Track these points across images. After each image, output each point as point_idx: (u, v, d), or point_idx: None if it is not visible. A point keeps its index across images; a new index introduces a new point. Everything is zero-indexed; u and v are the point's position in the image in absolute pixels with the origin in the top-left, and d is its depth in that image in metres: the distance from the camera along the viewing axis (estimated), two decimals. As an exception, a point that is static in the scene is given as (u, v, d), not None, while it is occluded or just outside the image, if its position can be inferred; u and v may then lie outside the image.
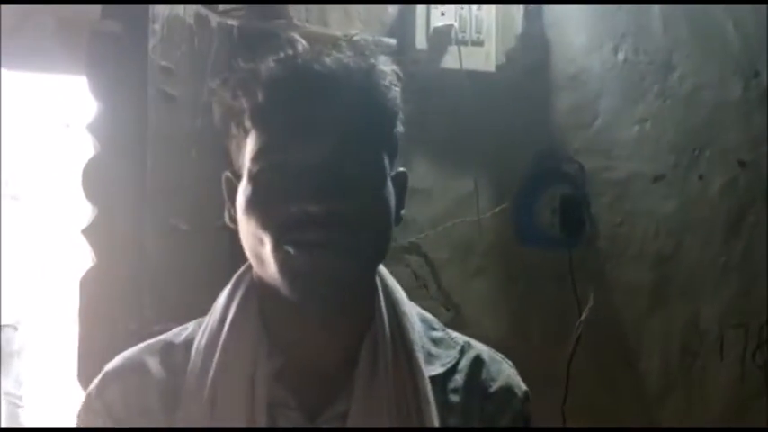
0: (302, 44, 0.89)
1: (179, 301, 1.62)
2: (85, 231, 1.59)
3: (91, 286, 1.59)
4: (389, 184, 0.91)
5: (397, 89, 0.91)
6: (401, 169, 0.96)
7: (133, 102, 1.56)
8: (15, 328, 4.70)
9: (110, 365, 0.98)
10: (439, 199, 2.13)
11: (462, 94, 2.07)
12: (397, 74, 0.92)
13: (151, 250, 1.59)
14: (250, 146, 0.88)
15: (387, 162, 0.91)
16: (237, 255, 1.71)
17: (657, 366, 2.37)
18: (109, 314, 1.55)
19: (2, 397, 4.80)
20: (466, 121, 2.11)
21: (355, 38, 0.93)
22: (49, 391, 5.25)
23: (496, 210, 2.16)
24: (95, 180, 1.59)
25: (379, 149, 0.90)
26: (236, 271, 1.70)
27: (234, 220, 0.93)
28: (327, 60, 0.87)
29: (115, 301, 1.56)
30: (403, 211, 0.95)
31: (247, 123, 0.88)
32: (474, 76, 2.07)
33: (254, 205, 0.87)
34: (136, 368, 0.96)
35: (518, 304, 2.21)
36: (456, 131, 2.12)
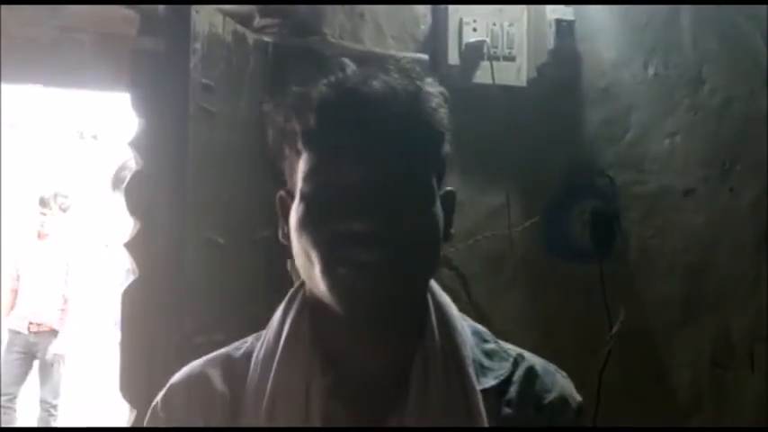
0: (351, 68, 0.92)
1: (217, 312, 1.66)
2: (128, 245, 1.62)
3: (133, 298, 1.62)
4: (438, 203, 0.93)
5: (444, 110, 0.93)
6: (449, 188, 0.98)
7: (175, 118, 1.60)
8: (58, 338, 4.76)
9: (175, 378, 1.01)
10: (470, 212, 2.14)
11: (494, 108, 2.09)
12: (443, 95, 0.94)
13: (190, 263, 1.62)
14: (302, 166, 0.91)
15: (434, 181, 0.93)
16: (273, 268, 1.75)
17: (688, 378, 2.37)
18: (150, 325, 1.59)
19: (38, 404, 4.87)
20: (498, 135, 2.13)
21: (403, 61, 0.96)
22: (85, 404, 5.29)
23: (527, 223, 2.18)
24: (138, 194, 1.62)
25: (426, 169, 0.92)
26: (271, 284, 1.73)
27: (287, 237, 0.95)
28: (375, 83, 0.90)
29: (156, 312, 1.60)
30: (452, 230, 0.97)
31: (300, 145, 0.91)
32: (506, 90, 2.09)
33: (304, 224, 0.90)
34: (199, 381, 0.98)
35: (549, 317, 2.22)
36: (488, 145, 2.14)
